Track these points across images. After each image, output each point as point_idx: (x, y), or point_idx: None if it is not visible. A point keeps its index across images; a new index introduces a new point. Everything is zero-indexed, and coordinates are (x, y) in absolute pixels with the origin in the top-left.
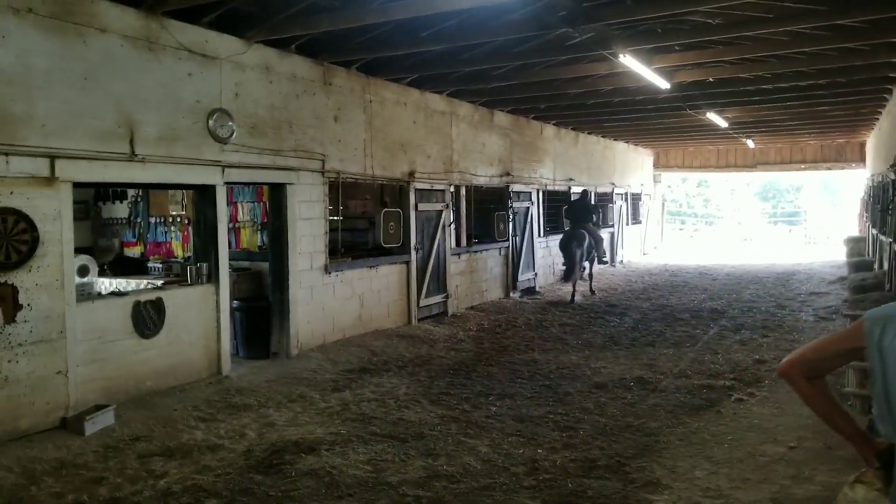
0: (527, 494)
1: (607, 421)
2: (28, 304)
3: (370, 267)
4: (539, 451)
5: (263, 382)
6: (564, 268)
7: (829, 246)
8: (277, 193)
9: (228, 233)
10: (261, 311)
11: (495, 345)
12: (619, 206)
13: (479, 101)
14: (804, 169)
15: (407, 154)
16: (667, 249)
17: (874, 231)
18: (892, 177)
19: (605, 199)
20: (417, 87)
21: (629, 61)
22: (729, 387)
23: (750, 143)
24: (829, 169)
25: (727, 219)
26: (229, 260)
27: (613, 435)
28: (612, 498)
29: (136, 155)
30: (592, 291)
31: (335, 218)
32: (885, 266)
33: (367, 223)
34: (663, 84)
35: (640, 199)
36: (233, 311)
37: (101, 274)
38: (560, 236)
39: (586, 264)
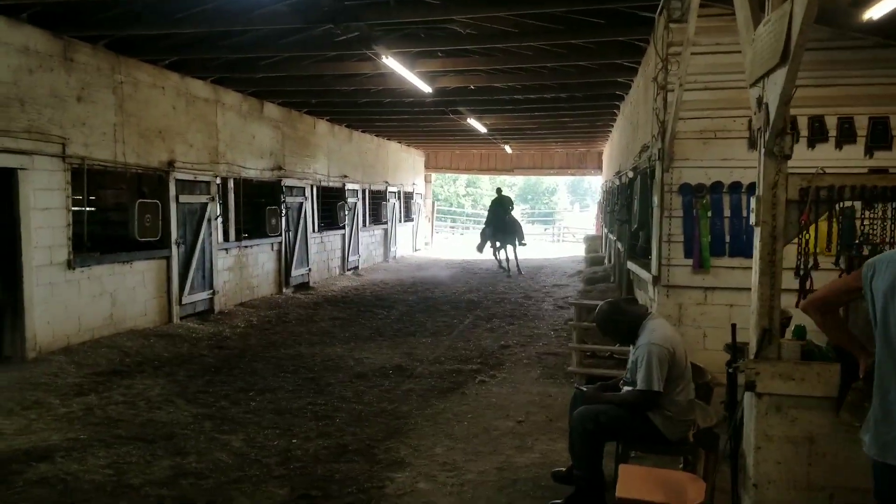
0: (275, 483)
1: (363, 408)
2: None
3: (123, 262)
4: (294, 441)
5: None
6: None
7: (575, 243)
8: (7, 180)
9: None
10: None
11: (262, 341)
12: (393, 204)
13: (247, 91)
14: (553, 174)
15: (166, 142)
16: (437, 246)
17: (605, 230)
18: (617, 183)
19: (380, 197)
20: (177, 71)
21: (392, 63)
22: (476, 370)
23: (508, 149)
24: (574, 174)
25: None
26: None
27: (367, 420)
28: (357, 479)
29: None
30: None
31: (81, 209)
32: (612, 261)
33: (123, 215)
34: (425, 88)
35: (412, 198)
36: None
37: None
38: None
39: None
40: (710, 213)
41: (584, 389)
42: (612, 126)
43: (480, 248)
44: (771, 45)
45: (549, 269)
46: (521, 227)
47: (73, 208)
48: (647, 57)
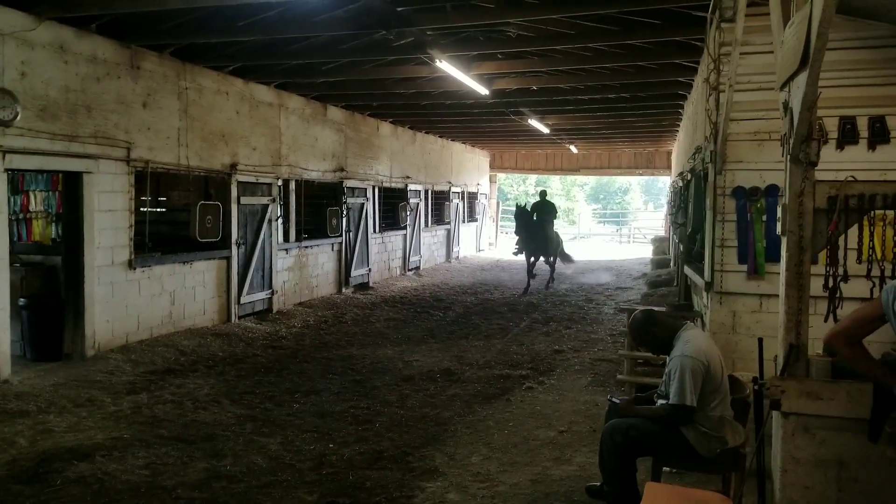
0: (306, 489)
1: (405, 413)
2: None
3: (184, 262)
4: (330, 445)
5: (49, 386)
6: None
7: (645, 245)
8: (73, 182)
9: (19, 223)
10: (52, 309)
11: (316, 341)
12: (456, 205)
13: (310, 95)
14: (621, 173)
15: (229, 145)
16: (501, 246)
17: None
18: (680, 184)
19: (443, 197)
20: (241, 77)
21: (446, 66)
22: (524, 376)
23: (573, 149)
24: (642, 174)
25: (561, 218)
26: (19, 253)
27: (407, 426)
28: (387, 487)
29: None
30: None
31: (144, 210)
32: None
33: (185, 216)
34: (482, 90)
35: (476, 198)
36: (20, 308)
37: None
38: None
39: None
40: (764, 217)
41: (617, 402)
42: (679, 125)
43: (516, 253)
44: (794, 48)
45: (615, 271)
46: (556, 241)
47: (135, 210)
48: (704, 57)
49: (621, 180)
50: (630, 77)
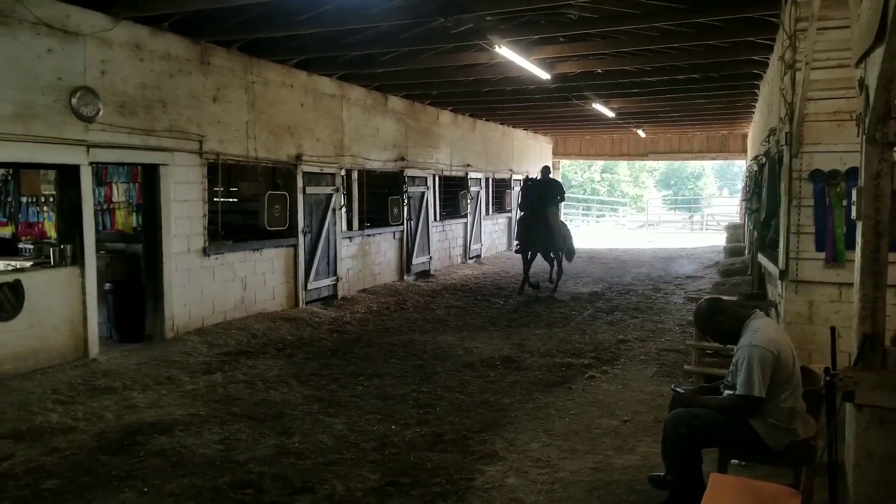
0: (369, 468)
1: (465, 398)
2: None
3: (254, 250)
4: (393, 427)
5: (133, 365)
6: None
7: (718, 232)
8: (151, 174)
9: (104, 214)
10: (134, 293)
11: (378, 327)
12: (518, 192)
13: (371, 86)
14: (692, 158)
15: (294, 137)
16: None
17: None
18: (755, 168)
19: (504, 185)
20: (305, 70)
21: (506, 52)
22: (587, 365)
23: (641, 133)
24: (715, 158)
25: (630, 205)
26: (104, 241)
27: (467, 411)
28: (447, 469)
29: None
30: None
31: (216, 200)
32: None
33: (254, 206)
34: (543, 75)
35: None
36: (106, 293)
37: None
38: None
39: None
40: (844, 202)
41: (682, 391)
42: (754, 107)
43: (518, 250)
44: (869, 21)
45: (685, 259)
46: (562, 232)
47: (208, 200)
48: (779, 34)
49: (694, 165)
50: (700, 57)
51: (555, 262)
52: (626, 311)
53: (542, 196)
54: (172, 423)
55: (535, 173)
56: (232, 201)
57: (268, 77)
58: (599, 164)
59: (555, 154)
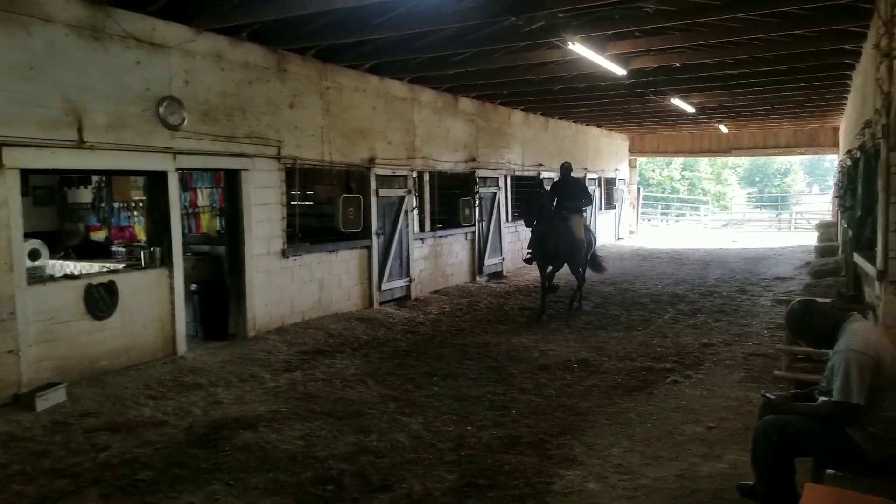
0: (446, 468)
1: (542, 401)
2: None
3: (329, 251)
4: (469, 428)
5: (217, 363)
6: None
7: (809, 231)
8: (232, 179)
9: (189, 218)
10: (218, 294)
11: (451, 328)
12: (593, 191)
13: (442, 88)
14: (778, 153)
15: (367, 140)
16: (643, 234)
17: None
18: (848, 163)
19: None
20: (376, 74)
21: (579, 49)
22: (668, 369)
23: (723, 128)
24: (803, 154)
25: (712, 203)
26: (189, 244)
27: (544, 414)
28: (525, 472)
29: (84, 142)
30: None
31: (295, 203)
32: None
33: (329, 209)
34: (618, 71)
35: (614, 184)
36: (192, 293)
37: (66, 257)
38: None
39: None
40: None
41: (772, 397)
42: (846, 98)
43: (528, 260)
44: None
45: (773, 259)
46: (586, 239)
47: (286, 203)
48: (873, 21)
49: (780, 160)
50: (786, 47)
51: (580, 276)
52: (710, 314)
53: (563, 198)
54: (256, 419)
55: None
56: (308, 204)
57: (341, 82)
58: (679, 161)
59: (631, 151)
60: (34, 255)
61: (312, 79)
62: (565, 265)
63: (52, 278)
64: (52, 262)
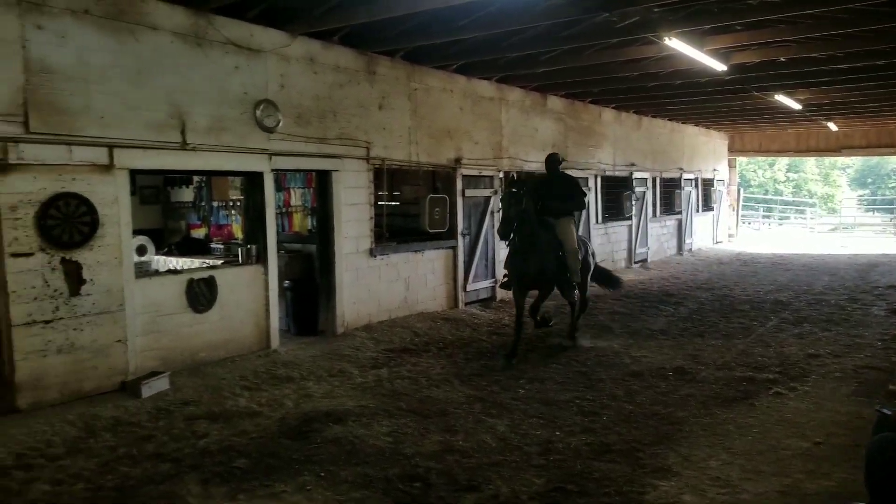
0: (534, 472)
1: (633, 408)
2: (90, 279)
3: (416, 251)
4: (557, 433)
5: (308, 357)
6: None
7: None
8: (323, 180)
9: (282, 217)
10: (309, 291)
11: (537, 331)
12: (689, 193)
13: (530, 87)
14: (894, 153)
15: (453, 140)
16: (743, 238)
17: None
18: None
19: (673, 185)
20: (464, 74)
21: (676, 44)
22: (771, 380)
23: (832, 126)
24: None
25: (819, 206)
26: (283, 242)
27: (636, 422)
28: (616, 481)
29: (187, 144)
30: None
31: (382, 203)
32: None
33: (415, 209)
34: (718, 66)
35: (711, 185)
36: (284, 290)
37: (169, 253)
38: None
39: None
40: None
41: (889, 413)
42: None
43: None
44: None
45: (886, 266)
46: (581, 250)
47: (374, 203)
48: None
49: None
50: None
51: (574, 295)
52: (816, 323)
53: (547, 199)
54: (345, 414)
55: (695, 173)
56: (394, 204)
57: (429, 83)
58: (783, 161)
59: (731, 151)
60: (141, 250)
61: (401, 80)
62: (549, 285)
63: (157, 273)
64: (156, 257)
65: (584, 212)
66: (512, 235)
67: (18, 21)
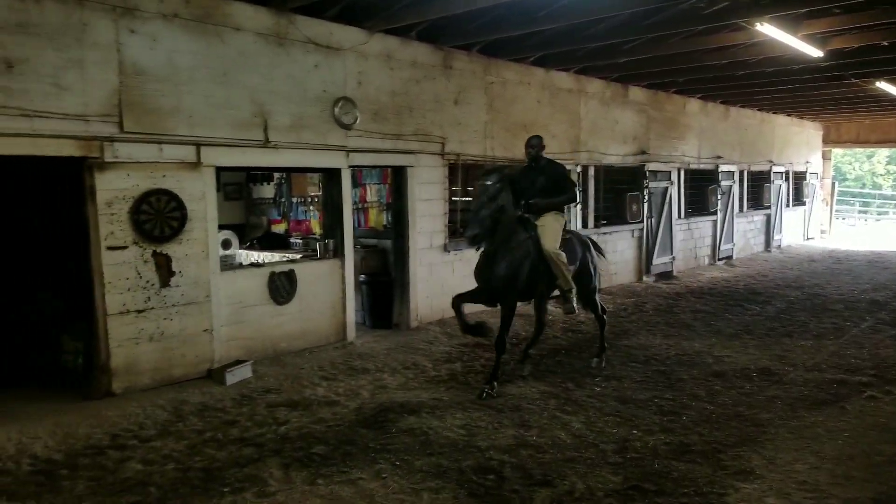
0: (609, 470)
1: (715, 409)
2: (179, 272)
3: None
4: (634, 432)
5: (383, 350)
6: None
7: None
8: (399, 176)
9: (358, 212)
10: (384, 285)
11: (615, 328)
12: (779, 186)
13: (610, 77)
14: None
15: (529, 134)
16: (837, 234)
17: None
18: None
19: (761, 178)
20: (542, 66)
21: (768, 29)
22: (865, 383)
23: None
24: None
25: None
26: (358, 237)
27: (718, 423)
28: (696, 481)
29: (269, 142)
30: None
31: (455, 199)
32: None
33: None
34: (813, 52)
35: (803, 178)
36: (360, 284)
37: (251, 248)
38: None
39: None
40: None
41: None
42: None
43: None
44: None
45: None
46: (580, 253)
47: (448, 199)
48: None
49: None
50: None
51: (597, 307)
52: None
53: (528, 194)
54: (419, 405)
55: (785, 165)
56: (467, 200)
57: (506, 76)
58: (883, 153)
59: (825, 142)
60: (226, 244)
61: (477, 74)
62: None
63: (240, 266)
64: (240, 251)
65: (666, 207)
66: (484, 241)
67: (114, 26)
